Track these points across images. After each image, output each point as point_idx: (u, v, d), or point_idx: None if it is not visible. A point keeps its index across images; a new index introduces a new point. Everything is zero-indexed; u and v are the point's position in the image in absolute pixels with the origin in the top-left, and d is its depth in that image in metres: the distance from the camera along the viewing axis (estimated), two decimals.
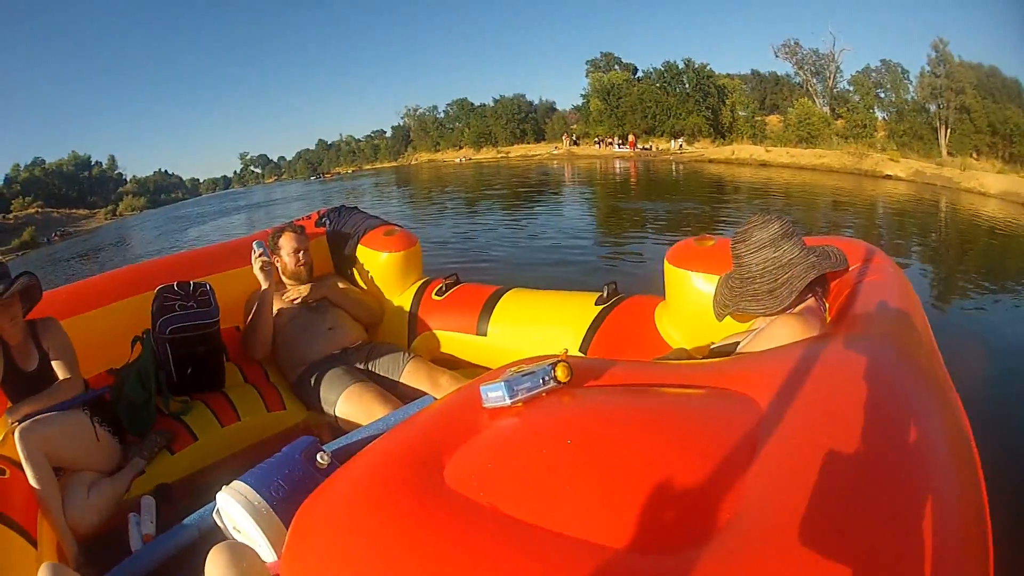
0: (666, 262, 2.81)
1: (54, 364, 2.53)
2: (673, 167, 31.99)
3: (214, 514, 1.81)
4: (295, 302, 3.36)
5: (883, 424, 1.10)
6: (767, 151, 35.25)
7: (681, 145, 40.74)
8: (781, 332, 1.85)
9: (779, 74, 45.71)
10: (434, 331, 3.64)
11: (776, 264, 1.87)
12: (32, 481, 2.19)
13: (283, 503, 1.63)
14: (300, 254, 3.46)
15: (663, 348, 2.83)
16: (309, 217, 4.16)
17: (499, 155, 53.08)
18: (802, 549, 0.84)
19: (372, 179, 46.24)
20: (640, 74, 48.92)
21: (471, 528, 1.07)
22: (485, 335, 3.46)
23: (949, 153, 30.98)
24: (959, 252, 11.72)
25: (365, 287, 3.89)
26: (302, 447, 1.87)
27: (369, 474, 1.33)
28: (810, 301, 1.91)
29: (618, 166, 34.53)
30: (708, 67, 43.88)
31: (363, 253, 3.86)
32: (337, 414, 2.90)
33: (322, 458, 1.82)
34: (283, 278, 3.53)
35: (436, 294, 3.73)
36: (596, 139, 46.61)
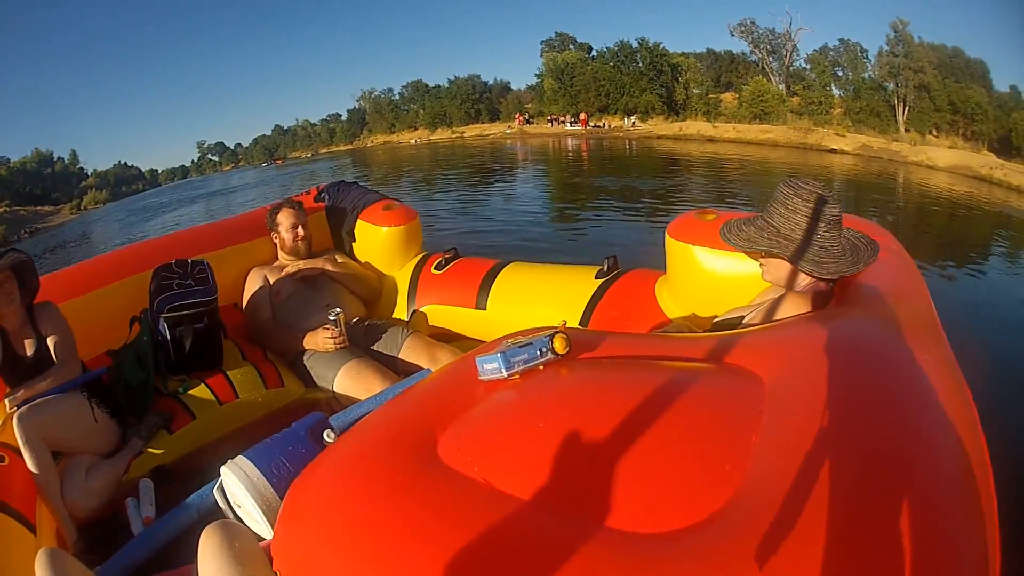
0: (667, 236, 2.74)
1: (52, 348, 2.45)
2: (627, 144, 32.66)
3: (215, 491, 1.77)
4: (294, 277, 3.28)
5: (889, 405, 1.07)
6: (714, 127, 36.32)
7: (634, 122, 41.49)
8: (794, 301, 1.83)
9: (735, 53, 45.81)
10: (433, 305, 3.56)
11: (823, 243, 1.79)
12: (31, 466, 2.12)
13: (284, 480, 1.58)
14: (298, 229, 3.39)
15: (663, 322, 2.76)
16: (308, 192, 4.07)
17: (454, 135, 53.38)
18: (802, 531, 0.82)
19: (328, 163, 45.80)
20: (595, 53, 49.27)
21: (464, 504, 1.04)
22: (484, 309, 3.39)
23: (907, 130, 31.57)
24: (917, 219, 12.09)
25: (364, 262, 3.81)
26: (309, 424, 1.81)
27: (361, 450, 1.30)
28: (822, 284, 1.86)
29: (570, 144, 35.10)
30: (662, 46, 44.31)
31: (362, 228, 3.77)
32: (335, 390, 2.84)
33: (329, 435, 1.76)
34: (281, 254, 3.46)
35: (435, 268, 3.66)
36: (549, 118, 46.98)
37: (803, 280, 1.85)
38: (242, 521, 1.68)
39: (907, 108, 32.47)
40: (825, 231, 1.78)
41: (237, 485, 1.63)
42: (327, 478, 1.24)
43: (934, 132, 31.03)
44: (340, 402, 2.81)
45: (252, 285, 3.28)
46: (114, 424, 2.50)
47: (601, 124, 43.14)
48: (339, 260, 3.58)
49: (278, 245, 3.47)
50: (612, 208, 11.87)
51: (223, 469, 1.67)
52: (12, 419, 2.17)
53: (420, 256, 3.83)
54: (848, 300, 1.68)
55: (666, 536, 0.90)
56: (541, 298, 3.27)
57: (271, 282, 3.28)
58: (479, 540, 0.96)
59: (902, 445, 0.97)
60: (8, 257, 2.35)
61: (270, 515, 1.52)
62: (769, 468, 0.97)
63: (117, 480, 2.35)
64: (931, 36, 33.29)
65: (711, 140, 33.47)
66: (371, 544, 1.02)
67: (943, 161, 24.18)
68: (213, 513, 1.84)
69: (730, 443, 1.07)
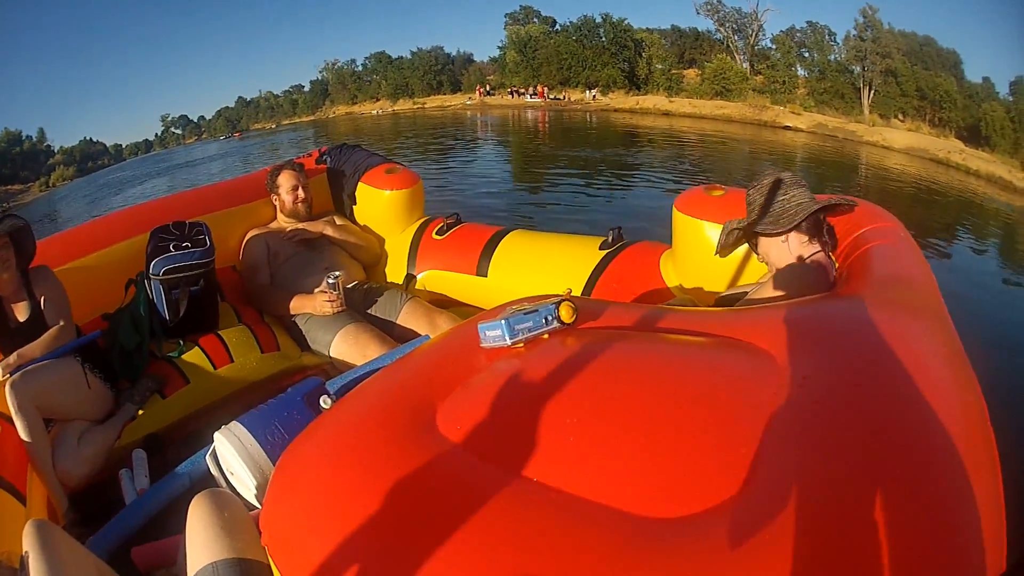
0: (675, 209, 2.67)
1: (46, 312, 2.38)
2: (586, 116, 33.90)
3: (208, 457, 1.73)
4: (293, 240, 3.22)
5: (904, 390, 1.01)
6: (670, 101, 37.49)
7: (595, 95, 42.13)
8: (789, 279, 1.83)
9: (700, 30, 45.95)
10: (433, 271, 3.49)
11: (784, 205, 1.84)
12: (22, 434, 2.05)
13: (279, 447, 1.53)
14: (298, 191, 3.31)
15: (667, 296, 2.72)
16: (310, 155, 3.98)
17: (415, 106, 53.25)
18: (820, 520, 0.79)
19: (290, 134, 45.40)
20: (558, 27, 49.53)
21: (462, 479, 1.00)
22: (486, 276, 3.31)
23: (872, 113, 32.23)
24: (879, 200, 12.34)
25: (364, 225, 3.73)
26: (305, 389, 1.76)
27: (355, 419, 1.25)
28: (819, 255, 1.87)
29: (530, 115, 35.84)
30: (626, 21, 44.91)
31: (364, 191, 3.69)
32: (332, 355, 2.79)
33: (325, 401, 1.70)
34: (280, 216, 3.38)
35: (436, 233, 3.57)
36: (510, 90, 47.55)
37: (796, 251, 1.88)
38: (235, 489, 1.64)
39: (873, 92, 32.88)
40: (780, 194, 1.88)
41: (230, 451, 1.60)
42: (319, 447, 1.19)
43: (900, 117, 31.52)
44: (336, 367, 2.75)
45: (250, 247, 3.20)
46: (107, 389, 2.43)
47: (561, 96, 43.92)
48: (339, 223, 3.50)
49: (278, 207, 3.39)
50: (574, 181, 12.11)
51: (216, 435, 1.64)
52: (5, 387, 2.09)
53: (421, 221, 3.75)
54: (855, 281, 1.65)
55: (680, 521, 0.86)
56: (544, 267, 3.19)
57: (270, 244, 3.20)
58: (477, 517, 0.91)
59: (917, 431, 0.93)
60: (5, 223, 2.27)
61: (263, 483, 1.48)
62: (784, 452, 0.92)
63: (109, 447, 2.29)
64: (903, 24, 33.91)
65: (667, 114, 34.73)
66: (362, 518, 0.96)
67: (899, 142, 25.01)
68: (205, 481, 1.80)
69: (745, 425, 1.01)
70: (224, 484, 1.66)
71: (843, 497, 0.81)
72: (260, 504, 1.47)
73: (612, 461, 0.99)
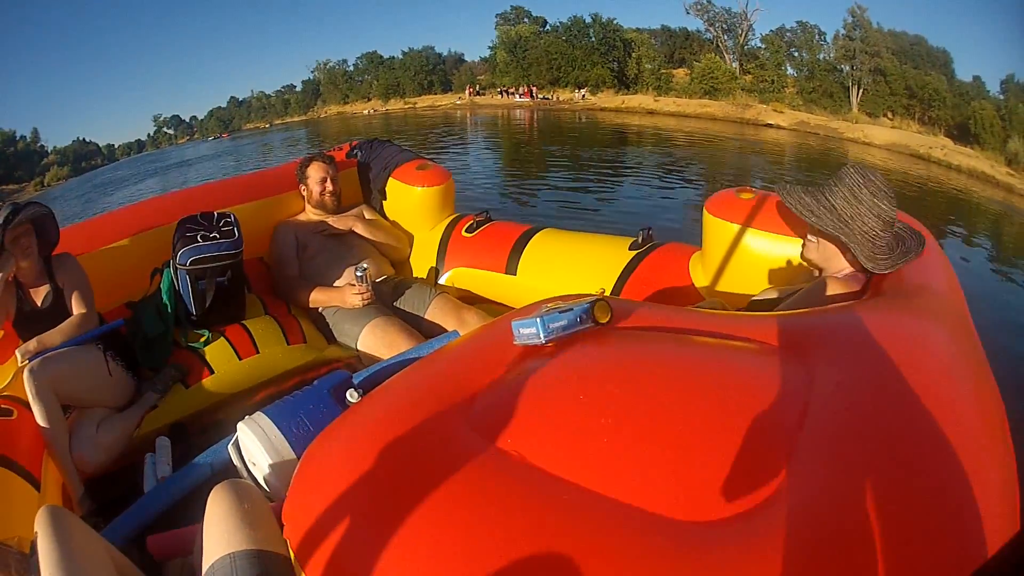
0: (705, 212, 2.63)
1: (68, 300, 2.37)
2: (575, 115, 34.61)
3: (230, 447, 1.71)
4: (322, 233, 3.19)
5: (935, 403, 0.99)
6: (655, 100, 37.86)
7: (584, 95, 42.62)
8: (829, 295, 1.79)
9: (690, 30, 46.00)
10: (462, 268, 3.45)
11: (876, 240, 1.77)
12: (39, 419, 2.03)
13: (303, 440, 1.51)
14: (327, 183, 3.29)
15: (697, 298, 2.67)
16: (341, 148, 3.95)
17: (406, 106, 53.53)
18: (847, 531, 0.78)
19: (281, 134, 44.50)
20: (548, 27, 49.91)
21: (490, 476, 0.98)
22: (515, 274, 3.27)
23: (861, 111, 32.26)
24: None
25: (394, 221, 3.70)
26: (332, 382, 1.72)
27: (385, 414, 1.22)
28: (861, 273, 1.84)
29: (518, 114, 36.47)
30: (615, 21, 45.18)
31: (394, 187, 3.65)
32: (359, 348, 2.76)
33: (352, 395, 1.66)
34: (308, 207, 3.35)
35: (466, 231, 3.54)
36: (500, 89, 48.31)
37: (845, 267, 1.84)
38: (256, 480, 1.62)
39: (861, 90, 32.90)
40: (880, 230, 1.76)
41: (254, 442, 1.57)
42: (347, 442, 1.16)
43: (889, 115, 31.46)
44: (363, 360, 2.73)
45: (279, 239, 3.18)
46: (129, 377, 2.41)
47: (549, 96, 44.45)
48: (368, 216, 3.46)
49: (305, 197, 3.37)
50: (568, 179, 12.39)
51: (240, 425, 1.63)
52: (24, 372, 2.08)
53: (451, 218, 3.71)
54: (887, 291, 1.64)
55: (707, 525, 0.85)
56: (573, 266, 3.14)
57: (299, 237, 3.18)
58: (507, 516, 0.90)
59: (942, 440, 0.91)
60: (28, 211, 2.25)
61: (286, 475, 1.45)
62: (815, 458, 0.91)
63: (128, 435, 2.27)
64: (893, 24, 33.90)
65: (651, 113, 35.33)
66: (387, 515, 0.94)
67: (881, 138, 25.22)
68: (227, 471, 1.78)
69: (776, 430, 1.00)
70: (246, 474, 1.64)
71: (871, 503, 0.80)
72: (281, 496, 1.44)
73: (645, 463, 0.97)
